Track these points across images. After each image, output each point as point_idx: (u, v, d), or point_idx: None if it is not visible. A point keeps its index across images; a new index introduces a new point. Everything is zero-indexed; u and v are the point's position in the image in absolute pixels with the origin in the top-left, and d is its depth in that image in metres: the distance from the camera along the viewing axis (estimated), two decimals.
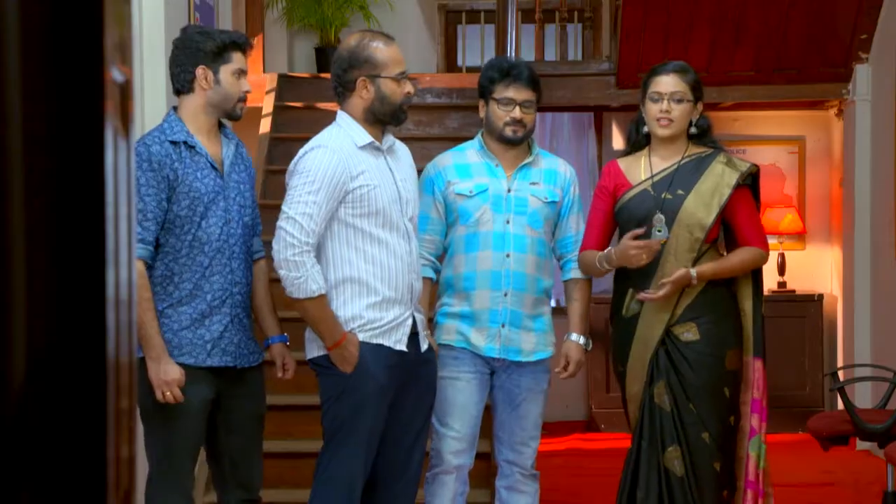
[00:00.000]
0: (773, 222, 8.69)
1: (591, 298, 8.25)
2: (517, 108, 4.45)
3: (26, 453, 1.19)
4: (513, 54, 7.90)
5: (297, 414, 5.89)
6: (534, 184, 4.53)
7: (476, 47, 9.64)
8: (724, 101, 8.04)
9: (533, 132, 4.56)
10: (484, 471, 4.87)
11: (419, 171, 4.45)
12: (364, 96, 4.12)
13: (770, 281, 8.65)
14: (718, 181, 4.37)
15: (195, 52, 4.04)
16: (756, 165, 4.52)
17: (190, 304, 3.98)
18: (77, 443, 1.22)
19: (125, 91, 1.34)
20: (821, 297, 8.73)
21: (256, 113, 8.04)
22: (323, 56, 9.26)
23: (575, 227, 4.63)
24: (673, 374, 4.34)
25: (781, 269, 8.79)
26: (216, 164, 4.08)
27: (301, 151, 4.11)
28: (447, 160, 4.57)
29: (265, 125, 7.79)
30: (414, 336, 4.18)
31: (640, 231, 4.32)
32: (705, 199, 4.36)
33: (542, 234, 4.53)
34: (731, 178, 4.38)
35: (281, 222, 3.99)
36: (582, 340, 4.59)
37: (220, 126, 4.20)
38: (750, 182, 4.48)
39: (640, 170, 4.48)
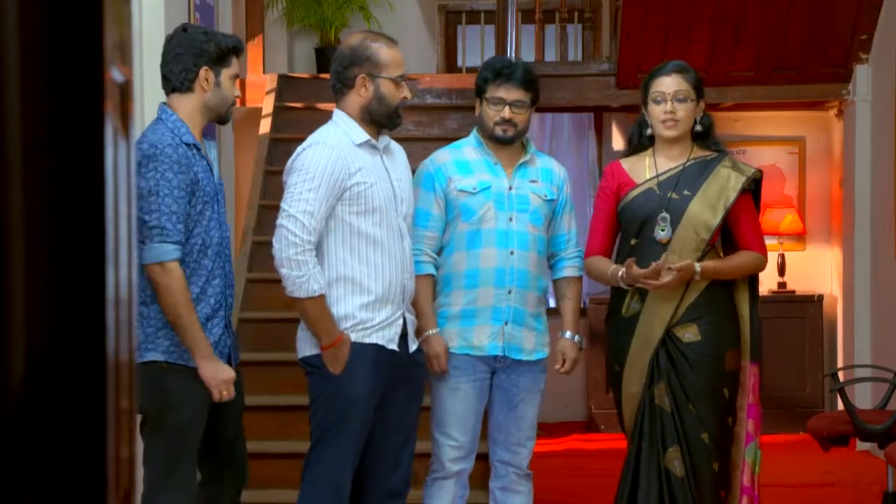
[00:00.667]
0: (773, 223, 8.69)
1: (592, 299, 8.29)
2: (507, 108, 4.45)
3: (26, 453, 1.19)
4: (513, 55, 7.90)
5: (295, 414, 5.88)
6: (533, 181, 4.54)
7: (476, 48, 9.64)
8: (724, 102, 8.04)
9: (526, 132, 4.56)
10: (483, 472, 4.87)
11: (413, 171, 4.45)
12: (362, 94, 4.13)
13: (770, 281, 8.65)
14: (724, 184, 4.38)
15: (199, 52, 4.01)
16: (760, 171, 4.53)
17: (196, 308, 3.96)
18: (77, 443, 1.22)
19: (125, 91, 1.34)
20: (821, 297, 8.73)
21: (256, 113, 8.04)
22: (323, 56, 9.25)
23: (567, 225, 4.64)
24: (673, 375, 4.34)
25: (781, 270, 8.79)
26: (211, 166, 4.09)
27: (299, 149, 4.11)
28: (446, 157, 4.57)
29: (265, 126, 7.79)
30: (404, 336, 4.19)
31: (636, 269, 4.27)
32: (711, 201, 4.36)
33: (542, 232, 4.54)
34: (738, 182, 4.39)
35: (282, 220, 3.99)
36: (577, 338, 4.60)
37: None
38: (753, 187, 4.48)
39: (645, 169, 4.48)
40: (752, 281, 4.50)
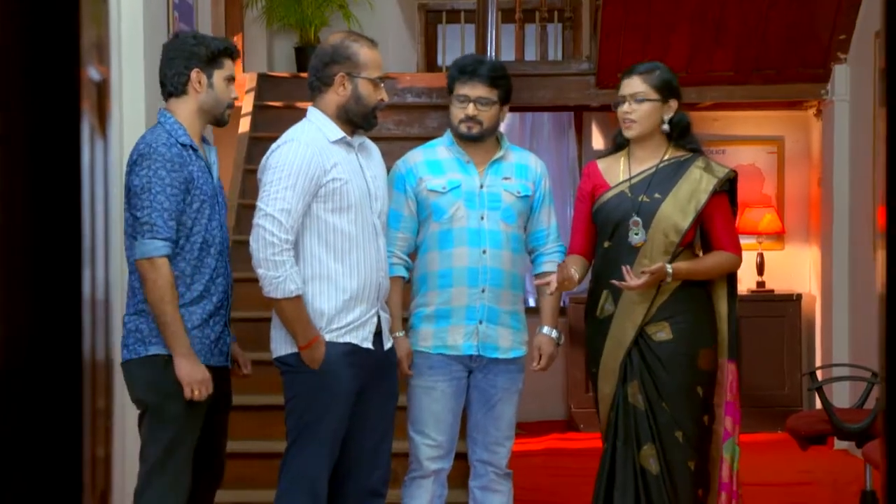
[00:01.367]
0: (752, 222, 8.71)
1: (572, 298, 8.29)
2: (471, 105, 4.44)
3: (1, 453, 1.19)
4: (493, 54, 7.90)
5: (272, 414, 5.87)
6: (506, 178, 4.53)
7: (456, 47, 9.64)
8: (704, 101, 8.06)
9: (495, 130, 4.54)
10: (462, 472, 4.86)
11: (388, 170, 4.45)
12: (340, 93, 4.13)
13: (749, 281, 8.68)
14: (696, 187, 4.37)
15: (190, 55, 4.11)
16: (734, 171, 4.51)
17: (199, 305, 4.05)
18: (53, 443, 1.22)
19: (102, 90, 1.34)
20: (799, 296, 8.75)
21: (236, 112, 8.02)
22: (303, 55, 9.24)
23: (546, 220, 4.63)
24: (646, 374, 4.34)
25: (760, 269, 8.81)
26: (210, 168, 4.16)
27: (273, 146, 4.11)
28: (417, 157, 4.56)
29: (244, 124, 7.78)
30: (378, 334, 4.19)
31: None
32: (682, 204, 4.36)
33: (516, 229, 4.53)
34: (709, 184, 4.38)
35: (259, 220, 3.98)
36: (554, 334, 4.60)
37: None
38: (727, 187, 4.47)
39: (619, 171, 4.48)
40: (731, 279, 4.50)
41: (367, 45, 4.18)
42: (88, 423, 1.25)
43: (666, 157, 4.44)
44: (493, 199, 4.48)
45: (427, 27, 10.09)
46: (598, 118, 9.31)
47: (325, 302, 4.07)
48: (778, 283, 8.90)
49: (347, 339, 4.08)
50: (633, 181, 4.44)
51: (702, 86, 7.76)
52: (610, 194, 4.47)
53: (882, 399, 1.49)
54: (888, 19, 1.46)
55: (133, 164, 4.00)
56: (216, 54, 4.12)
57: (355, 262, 4.10)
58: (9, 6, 1.18)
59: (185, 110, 4.11)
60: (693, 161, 4.43)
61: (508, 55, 8.68)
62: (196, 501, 4.18)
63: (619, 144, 4.53)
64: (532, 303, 7.96)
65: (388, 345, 4.25)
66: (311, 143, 4.06)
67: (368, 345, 4.13)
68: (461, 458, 4.72)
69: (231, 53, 4.19)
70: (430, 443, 4.46)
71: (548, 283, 4.31)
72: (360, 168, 4.16)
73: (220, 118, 4.17)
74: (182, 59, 4.12)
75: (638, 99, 4.38)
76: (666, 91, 4.39)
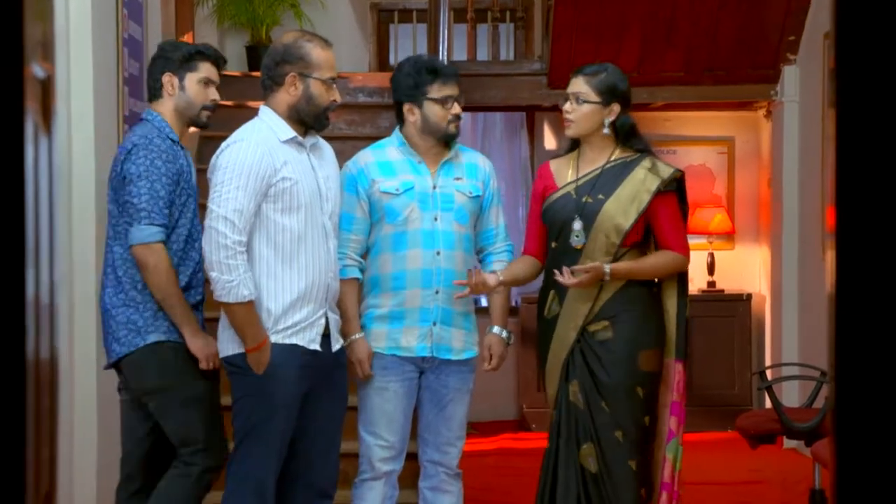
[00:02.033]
0: (702, 222, 8.76)
1: (524, 298, 8.30)
2: (455, 104, 4.46)
3: None
4: (445, 54, 7.89)
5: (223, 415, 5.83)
6: (457, 179, 4.52)
7: (408, 46, 9.63)
8: (655, 102, 8.09)
9: None
10: (412, 472, 4.85)
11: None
12: (291, 93, 4.10)
13: (699, 280, 8.72)
14: (639, 187, 4.36)
15: (164, 60, 4.34)
16: (680, 171, 4.49)
17: (185, 295, 4.20)
18: None
19: (47, 87, 1.32)
20: (749, 296, 8.81)
21: None
22: (254, 54, 9.19)
23: (495, 219, 4.63)
24: (587, 373, 4.34)
25: (711, 269, 8.86)
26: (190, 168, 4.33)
27: (223, 145, 4.08)
28: (368, 158, 4.53)
29: None
30: (327, 336, 4.17)
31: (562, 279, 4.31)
32: (624, 205, 4.35)
33: (468, 230, 4.53)
34: (652, 184, 4.36)
35: (212, 222, 3.94)
36: (504, 334, 4.60)
37: None
38: (675, 187, 4.45)
39: (569, 172, 4.49)
40: (682, 279, 4.49)
41: (321, 46, 4.15)
42: (32, 423, 1.23)
43: (613, 158, 4.44)
44: (445, 199, 4.48)
45: (379, 27, 10.06)
46: (550, 118, 9.32)
47: (272, 302, 4.04)
48: (728, 282, 8.95)
49: (294, 340, 4.06)
50: (580, 182, 4.44)
51: (653, 86, 7.78)
52: (557, 195, 4.48)
53: (831, 398, 1.49)
54: (838, 21, 1.46)
55: (128, 153, 4.15)
56: (188, 57, 4.31)
57: (304, 262, 4.07)
58: None
59: (164, 112, 4.31)
60: (639, 161, 4.42)
61: (460, 55, 8.68)
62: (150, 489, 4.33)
63: (572, 145, 4.54)
64: (483, 302, 7.96)
65: (336, 346, 4.23)
66: (262, 142, 4.03)
67: (316, 346, 4.11)
68: (411, 458, 4.72)
69: (208, 56, 4.36)
70: (382, 444, 4.45)
71: (468, 288, 4.34)
72: (311, 168, 4.14)
73: (195, 119, 4.36)
74: (157, 65, 4.35)
75: (579, 100, 4.39)
76: (608, 95, 4.38)
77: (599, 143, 4.44)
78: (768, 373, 6.39)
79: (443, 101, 4.44)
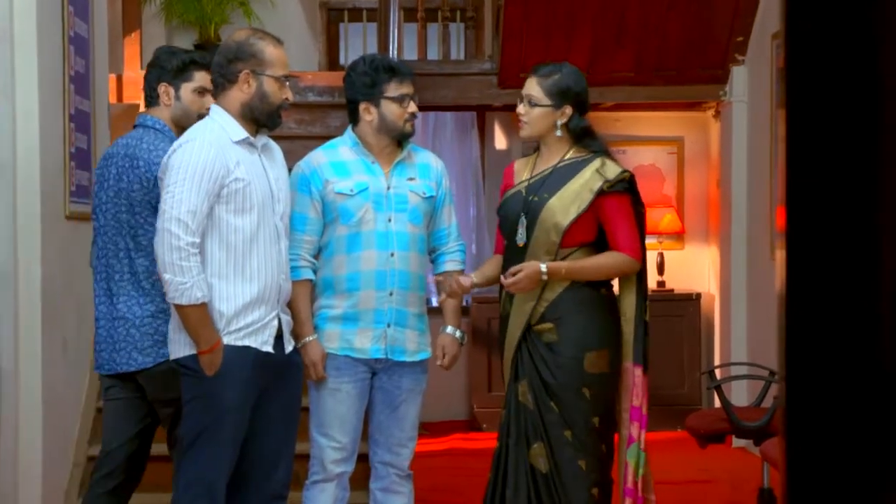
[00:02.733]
0: (652, 222, 8.75)
1: (475, 298, 8.29)
2: (412, 102, 4.44)
3: None
4: (395, 53, 7.88)
5: None
6: (411, 179, 4.50)
7: (358, 46, 9.60)
8: (605, 102, 8.10)
9: None
10: (363, 473, 4.83)
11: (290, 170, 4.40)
12: (245, 90, 4.07)
13: (649, 280, 8.72)
14: (583, 187, 4.32)
15: (160, 69, 4.41)
16: (628, 171, 4.42)
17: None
18: None
19: None
20: (699, 296, 8.84)
21: (134, 110, 7.90)
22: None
23: (448, 219, 4.62)
24: (535, 374, 4.32)
25: (660, 269, 8.90)
26: None
27: (175, 145, 4.03)
28: (321, 158, 4.50)
29: None
30: (280, 338, 4.14)
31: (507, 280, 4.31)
32: (565, 204, 4.31)
33: (422, 231, 4.51)
34: (595, 183, 4.32)
35: (165, 223, 3.89)
36: (458, 334, 4.59)
37: None
38: (624, 188, 4.37)
39: (525, 171, 4.48)
40: (640, 280, 4.43)
41: (273, 43, 4.13)
42: None
43: (566, 158, 4.41)
44: (399, 200, 4.45)
45: (329, 25, 10.03)
46: (501, 118, 9.34)
47: (224, 303, 4.00)
48: (678, 282, 8.99)
49: (247, 342, 4.03)
50: (532, 181, 4.43)
51: (603, 86, 7.79)
52: (509, 193, 4.48)
53: (782, 397, 1.49)
54: (787, 21, 1.46)
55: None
56: (183, 67, 4.39)
57: (256, 264, 4.04)
58: None
59: (162, 119, 4.42)
60: (590, 161, 4.38)
61: (411, 54, 8.67)
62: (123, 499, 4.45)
63: (539, 144, 4.52)
64: (434, 302, 7.95)
65: (289, 348, 4.20)
66: (214, 142, 3.99)
67: (269, 348, 4.08)
68: (363, 459, 4.69)
69: (202, 65, 4.40)
70: (334, 445, 4.42)
71: (446, 289, 4.33)
72: (263, 169, 4.11)
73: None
74: (153, 74, 4.43)
75: (530, 102, 4.37)
76: (560, 97, 4.35)
77: (554, 143, 4.42)
78: (717, 372, 6.42)
79: (400, 100, 4.43)
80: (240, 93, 4.08)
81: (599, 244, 4.39)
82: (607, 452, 4.36)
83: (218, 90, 4.13)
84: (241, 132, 4.06)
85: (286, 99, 4.13)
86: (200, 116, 4.30)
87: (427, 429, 8.12)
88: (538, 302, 4.32)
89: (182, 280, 3.87)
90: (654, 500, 4.46)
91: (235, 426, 4.01)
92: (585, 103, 4.41)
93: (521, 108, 4.40)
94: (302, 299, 4.38)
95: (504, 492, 4.34)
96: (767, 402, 5.95)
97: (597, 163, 4.37)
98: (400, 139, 4.49)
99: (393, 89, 4.42)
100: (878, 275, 1.42)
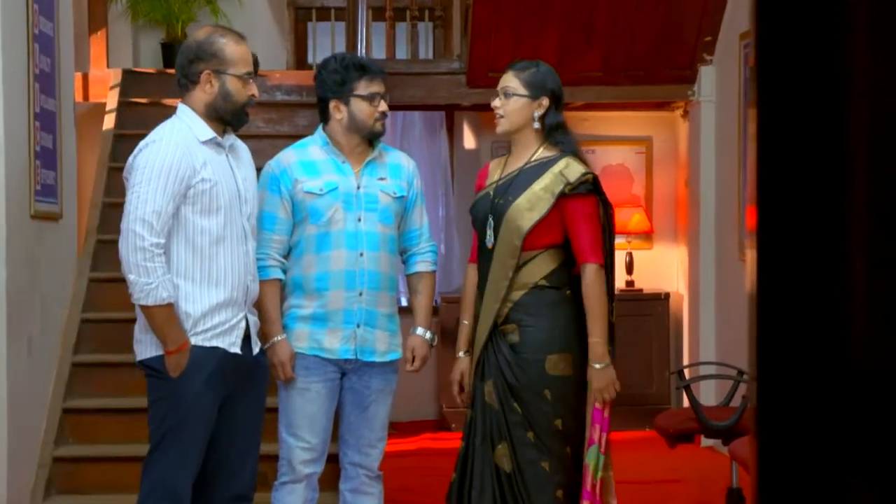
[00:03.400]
0: (621, 222, 8.78)
1: (444, 298, 8.28)
2: (382, 101, 4.42)
3: None
4: (363, 52, 7.86)
5: (137, 417, 5.76)
6: (381, 179, 4.47)
7: (326, 45, 9.57)
8: (574, 102, 8.10)
9: None
10: (333, 474, 4.81)
11: (259, 169, 4.37)
12: (207, 91, 4.03)
13: (618, 280, 8.72)
14: (545, 190, 4.28)
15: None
16: (591, 173, 4.32)
17: None
18: None
19: None
20: (667, 295, 8.86)
21: (100, 109, 7.86)
22: (169, 51, 9.07)
23: (419, 220, 4.59)
24: (499, 374, 4.29)
25: (629, 268, 8.91)
26: None
27: (141, 144, 3.99)
28: (291, 157, 4.46)
29: (109, 121, 7.61)
30: (247, 339, 4.11)
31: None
32: (527, 207, 4.27)
33: (392, 231, 4.48)
34: (557, 186, 4.27)
35: (130, 224, 3.85)
36: (428, 335, 4.57)
37: None
38: (587, 189, 4.29)
39: (497, 172, 4.45)
40: (607, 281, 4.31)
41: (234, 40, 4.08)
42: None
43: (534, 158, 4.36)
44: (370, 200, 4.43)
45: (297, 24, 9.99)
46: (470, 117, 9.33)
47: (191, 305, 3.97)
48: (646, 282, 9.00)
49: (215, 343, 3.99)
50: (500, 182, 4.39)
51: (572, 86, 7.75)
52: (479, 196, 4.46)
53: (753, 397, 1.48)
54: (758, 19, 1.45)
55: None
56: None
57: (223, 265, 4.00)
58: None
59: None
60: (556, 162, 4.33)
61: (379, 53, 8.64)
62: None
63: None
64: (405, 302, 7.93)
65: (256, 349, 4.17)
66: (180, 142, 3.95)
67: (236, 350, 4.04)
68: (332, 460, 4.67)
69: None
70: (304, 445, 4.39)
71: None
72: (230, 170, 4.07)
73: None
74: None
75: (506, 93, 4.34)
76: (537, 88, 4.33)
77: (526, 140, 4.36)
78: (686, 372, 6.42)
79: (370, 98, 4.40)
80: (203, 93, 4.04)
81: (567, 246, 4.33)
82: (573, 455, 4.31)
83: (182, 90, 4.09)
84: (208, 132, 4.02)
85: (252, 96, 4.09)
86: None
87: (396, 428, 8.10)
88: (503, 303, 4.29)
89: (147, 280, 3.83)
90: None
91: (200, 428, 3.97)
92: (561, 99, 4.40)
93: (496, 102, 4.35)
94: (270, 299, 4.35)
95: (470, 492, 4.32)
96: (736, 402, 5.96)
97: (561, 164, 4.31)
98: (370, 138, 4.46)
99: (363, 87, 4.40)
100: (849, 273, 1.42)
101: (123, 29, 9.15)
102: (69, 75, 6.48)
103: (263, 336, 4.28)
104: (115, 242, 3.99)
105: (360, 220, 4.40)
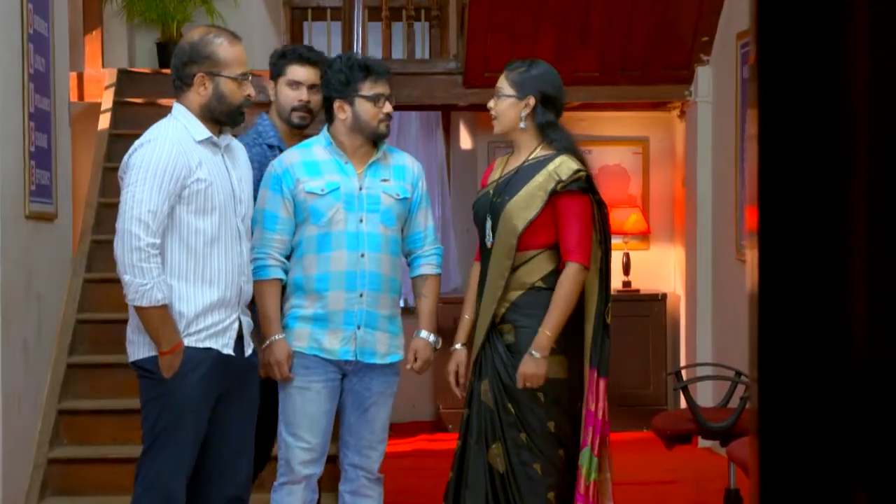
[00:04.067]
0: (617, 222, 8.78)
1: (440, 298, 8.29)
2: (387, 102, 4.40)
3: None
4: (360, 52, 7.84)
5: (132, 418, 5.75)
6: (384, 180, 4.46)
7: (322, 45, 9.54)
8: (570, 102, 8.05)
9: None
10: (332, 475, 4.80)
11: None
12: (201, 93, 4.01)
13: (615, 280, 8.70)
14: (538, 188, 4.27)
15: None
16: (583, 170, 4.30)
17: None
18: None
19: None
20: (664, 296, 8.85)
21: (95, 109, 7.84)
22: (165, 51, 9.05)
23: (423, 222, 4.57)
24: (495, 374, 4.28)
25: (626, 269, 8.89)
26: None
27: (136, 144, 3.97)
28: (294, 157, 4.45)
29: (104, 121, 7.60)
30: (240, 339, 4.09)
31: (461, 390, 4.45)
32: (521, 206, 4.26)
33: (395, 232, 4.46)
34: (549, 184, 4.26)
35: (126, 224, 3.84)
36: (432, 338, 4.55)
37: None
38: (579, 187, 4.27)
39: (499, 171, 4.45)
40: (603, 279, 4.32)
41: (228, 41, 4.06)
42: None
43: (531, 157, 4.36)
44: (372, 201, 4.41)
45: (293, 24, 9.97)
46: (466, 117, 9.31)
47: (185, 305, 3.95)
48: (643, 282, 8.99)
49: (208, 343, 3.98)
50: (499, 181, 4.39)
51: (568, 86, 7.69)
52: (480, 194, 4.46)
53: (754, 398, 1.47)
54: (759, 18, 1.44)
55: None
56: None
57: (217, 265, 3.99)
58: None
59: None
60: (551, 160, 4.32)
61: (375, 53, 8.62)
62: None
63: None
64: (411, 302, 7.90)
65: (248, 350, 4.15)
66: (176, 142, 3.94)
67: (229, 351, 4.03)
68: (332, 461, 4.66)
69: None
70: (303, 446, 4.37)
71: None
72: (225, 170, 4.06)
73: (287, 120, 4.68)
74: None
75: (498, 94, 4.36)
76: (523, 87, 4.33)
77: (523, 139, 4.37)
78: (683, 373, 6.41)
79: (374, 99, 4.38)
80: (197, 95, 4.03)
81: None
82: (567, 457, 4.29)
83: (177, 91, 4.07)
84: (204, 132, 4.01)
85: (248, 96, 4.08)
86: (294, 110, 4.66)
87: (392, 430, 8.08)
88: (500, 303, 4.28)
89: (142, 281, 3.82)
90: None
91: (193, 429, 3.96)
92: (554, 98, 4.37)
93: (490, 103, 4.38)
94: (270, 299, 4.33)
95: (463, 490, 4.30)
96: (733, 403, 5.94)
97: (556, 162, 4.30)
98: (374, 139, 4.44)
99: (368, 88, 4.39)
100: (851, 274, 1.40)
101: (118, 28, 9.13)
102: (64, 75, 6.46)
103: (262, 335, 4.26)
104: (110, 243, 3.98)
105: (361, 220, 4.38)
